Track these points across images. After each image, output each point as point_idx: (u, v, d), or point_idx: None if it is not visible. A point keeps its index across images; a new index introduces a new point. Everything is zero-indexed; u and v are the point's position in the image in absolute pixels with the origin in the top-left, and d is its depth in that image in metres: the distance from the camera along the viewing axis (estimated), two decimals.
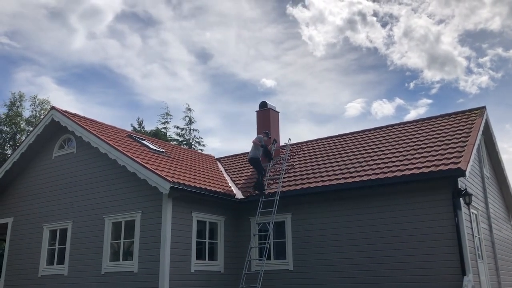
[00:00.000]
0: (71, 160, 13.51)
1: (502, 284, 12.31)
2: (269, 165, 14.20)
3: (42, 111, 32.73)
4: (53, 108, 14.07)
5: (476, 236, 11.01)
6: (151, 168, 11.31)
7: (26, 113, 33.57)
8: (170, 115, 37.02)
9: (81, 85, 53.86)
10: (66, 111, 13.86)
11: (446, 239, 10.03)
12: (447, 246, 9.99)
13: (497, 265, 12.35)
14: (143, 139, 15.34)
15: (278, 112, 16.21)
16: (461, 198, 10.14)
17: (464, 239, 9.83)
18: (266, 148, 13.92)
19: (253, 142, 13.56)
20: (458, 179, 10.17)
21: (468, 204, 10.46)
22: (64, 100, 48.77)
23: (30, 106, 33.57)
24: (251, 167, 15.29)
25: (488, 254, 11.97)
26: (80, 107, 54.16)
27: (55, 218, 13.25)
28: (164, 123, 36.90)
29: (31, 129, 28.74)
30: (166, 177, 10.95)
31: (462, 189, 10.23)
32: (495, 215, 13.81)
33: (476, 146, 11.35)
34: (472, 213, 11.08)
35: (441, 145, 11.76)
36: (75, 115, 14.06)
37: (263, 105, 15.92)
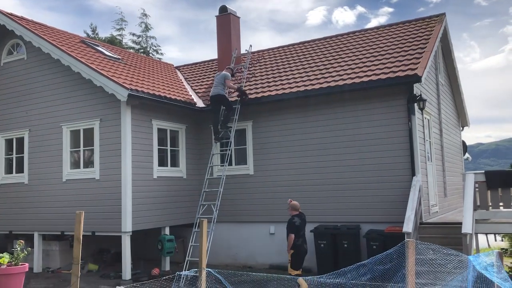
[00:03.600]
0: (22, 66, 12.85)
1: (447, 184, 13.24)
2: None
3: None
4: None
5: (427, 140, 11.57)
6: (107, 75, 10.96)
7: None
8: (125, 21, 35.21)
9: None
10: (11, 14, 12.91)
11: (400, 143, 10.55)
12: (400, 149, 10.54)
13: (444, 167, 13.17)
14: (98, 45, 14.65)
15: (239, 18, 15.71)
16: (415, 104, 10.51)
17: (416, 143, 10.36)
18: (242, 90, 12.54)
19: (216, 78, 12.35)
20: (414, 85, 10.44)
21: (422, 109, 10.85)
22: (7, 4, 45.51)
23: None
24: (211, 76, 15.11)
25: (437, 156, 12.70)
26: (26, 12, 50.80)
27: (10, 127, 12.87)
28: (119, 29, 35.16)
29: None
30: (123, 84, 10.69)
31: (417, 95, 10.54)
32: (446, 121, 14.45)
33: (433, 53, 11.53)
34: (425, 118, 11.54)
35: (400, 52, 11.89)
36: (22, 18, 13.13)
37: (223, 9, 15.33)
